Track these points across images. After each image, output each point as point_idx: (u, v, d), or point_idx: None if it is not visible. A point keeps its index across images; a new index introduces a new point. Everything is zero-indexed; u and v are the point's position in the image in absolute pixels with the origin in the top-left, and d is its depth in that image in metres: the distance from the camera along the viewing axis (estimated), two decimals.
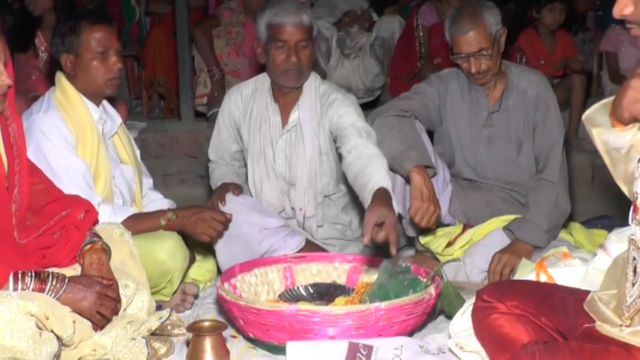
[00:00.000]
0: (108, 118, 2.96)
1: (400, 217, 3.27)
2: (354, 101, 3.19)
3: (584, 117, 1.87)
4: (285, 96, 3.17)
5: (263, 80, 3.22)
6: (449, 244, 3.23)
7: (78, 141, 2.82)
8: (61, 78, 2.89)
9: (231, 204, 3.12)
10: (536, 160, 3.24)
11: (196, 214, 2.86)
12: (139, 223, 2.79)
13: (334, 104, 3.12)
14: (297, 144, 3.17)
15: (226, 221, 2.93)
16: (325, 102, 3.15)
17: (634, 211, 1.77)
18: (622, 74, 5.41)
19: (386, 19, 5.41)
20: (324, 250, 3.21)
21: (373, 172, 2.77)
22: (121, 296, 2.39)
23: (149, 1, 5.96)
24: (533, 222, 3.05)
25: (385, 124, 3.12)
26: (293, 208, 3.23)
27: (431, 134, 3.36)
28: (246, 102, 3.23)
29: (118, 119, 3.03)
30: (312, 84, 3.17)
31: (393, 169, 3.08)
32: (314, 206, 3.21)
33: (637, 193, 1.77)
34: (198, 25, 5.18)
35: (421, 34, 5.10)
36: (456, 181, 3.35)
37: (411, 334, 2.59)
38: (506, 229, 3.12)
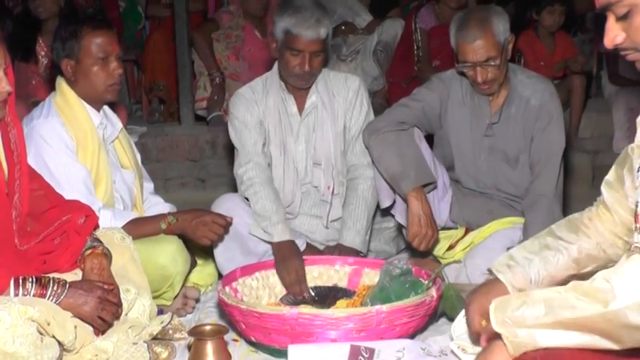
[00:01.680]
0: (108, 123, 2.96)
1: (401, 227, 3.27)
2: (367, 98, 3.30)
3: None
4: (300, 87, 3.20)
5: (271, 78, 3.22)
6: (450, 247, 3.23)
7: (78, 146, 2.82)
8: (61, 83, 2.89)
9: (231, 203, 3.12)
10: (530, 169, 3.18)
11: (197, 217, 2.86)
12: (139, 228, 2.79)
13: (354, 95, 3.23)
14: (318, 125, 3.20)
15: (227, 224, 2.93)
16: (343, 84, 3.23)
17: (635, 220, 1.77)
18: (621, 75, 5.41)
19: (388, 23, 5.39)
20: (324, 253, 3.20)
21: (347, 233, 3.18)
22: (122, 301, 2.39)
23: (148, 4, 5.97)
24: None
25: (382, 141, 3.08)
26: (315, 186, 3.23)
27: (430, 136, 3.34)
28: (259, 99, 3.20)
29: (119, 124, 3.03)
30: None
31: (391, 187, 3.08)
32: (339, 183, 3.24)
33: (638, 202, 1.77)
34: (197, 29, 5.19)
35: (419, 37, 5.09)
36: (457, 186, 3.30)
37: (412, 337, 2.59)
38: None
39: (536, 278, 1.99)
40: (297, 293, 2.91)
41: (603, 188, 2.00)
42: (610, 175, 1.98)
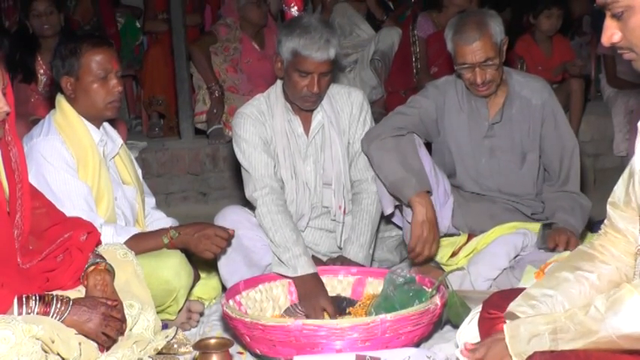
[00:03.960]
0: (109, 139, 2.97)
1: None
2: (370, 112, 3.26)
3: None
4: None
5: (275, 97, 3.15)
6: (453, 254, 3.22)
7: (79, 164, 2.82)
8: (61, 101, 2.89)
9: (235, 216, 3.12)
10: (547, 172, 3.21)
11: (199, 231, 2.86)
12: (141, 243, 2.79)
13: (358, 110, 3.19)
14: (327, 145, 3.16)
15: (229, 237, 2.92)
16: (347, 99, 3.19)
17: None
18: (620, 77, 5.42)
19: (384, 32, 5.40)
20: (326, 265, 3.18)
21: (350, 247, 3.14)
22: (127, 316, 2.38)
23: (145, 20, 5.99)
24: (567, 221, 3.04)
25: (382, 147, 3.08)
26: (326, 206, 3.20)
27: (430, 143, 3.34)
28: (266, 120, 3.12)
29: (119, 140, 3.03)
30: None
31: (392, 194, 3.08)
32: (349, 201, 3.21)
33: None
34: (195, 43, 5.20)
35: (417, 49, 5.09)
36: (459, 192, 3.31)
37: (418, 345, 2.59)
38: (545, 225, 3.09)
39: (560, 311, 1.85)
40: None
41: (610, 210, 1.95)
42: (613, 196, 1.94)
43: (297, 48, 2.96)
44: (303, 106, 3.10)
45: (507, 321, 1.88)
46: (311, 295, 2.85)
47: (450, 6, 5.01)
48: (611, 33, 1.68)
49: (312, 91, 3.00)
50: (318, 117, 3.15)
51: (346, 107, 3.20)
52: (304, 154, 3.17)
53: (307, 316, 2.82)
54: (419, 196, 2.97)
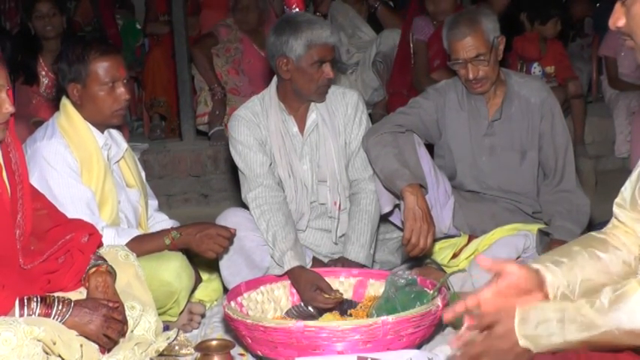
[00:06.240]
0: (113, 143, 2.96)
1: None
2: (366, 113, 3.28)
3: None
4: (300, 107, 3.18)
5: (269, 98, 3.18)
6: (454, 256, 3.23)
7: (83, 168, 2.81)
8: (66, 104, 2.88)
9: (236, 217, 3.12)
10: (543, 170, 3.23)
11: (201, 231, 2.86)
12: (143, 244, 2.79)
13: (353, 110, 3.21)
14: (321, 142, 3.18)
15: (231, 236, 2.92)
16: (342, 99, 3.22)
17: None
18: (621, 79, 5.42)
19: (386, 34, 5.39)
20: (328, 266, 3.19)
21: (351, 248, 3.14)
22: (128, 318, 2.39)
23: (147, 22, 5.99)
24: (564, 227, 3.04)
25: (379, 142, 3.10)
26: (322, 203, 3.21)
27: (431, 147, 3.35)
28: (261, 122, 3.15)
29: (124, 144, 3.02)
30: None
31: (387, 188, 3.08)
32: (345, 198, 3.22)
33: None
34: (196, 45, 5.20)
35: (415, 49, 5.08)
36: (459, 193, 3.32)
37: (419, 347, 2.59)
38: (541, 231, 3.09)
39: (573, 280, 1.85)
40: (323, 302, 2.87)
41: (617, 210, 1.93)
42: (620, 198, 1.94)
43: (311, 39, 3.03)
44: (320, 99, 3.15)
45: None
46: (301, 283, 2.91)
47: (435, 13, 4.96)
48: (617, 17, 1.71)
49: (329, 77, 3.08)
50: (312, 116, 3.18)
51: (341, 107, 3.22)
52: (300, 153, 3.19)
53: (307, 309, 2.84)
54: (410, 187, 2.97)
